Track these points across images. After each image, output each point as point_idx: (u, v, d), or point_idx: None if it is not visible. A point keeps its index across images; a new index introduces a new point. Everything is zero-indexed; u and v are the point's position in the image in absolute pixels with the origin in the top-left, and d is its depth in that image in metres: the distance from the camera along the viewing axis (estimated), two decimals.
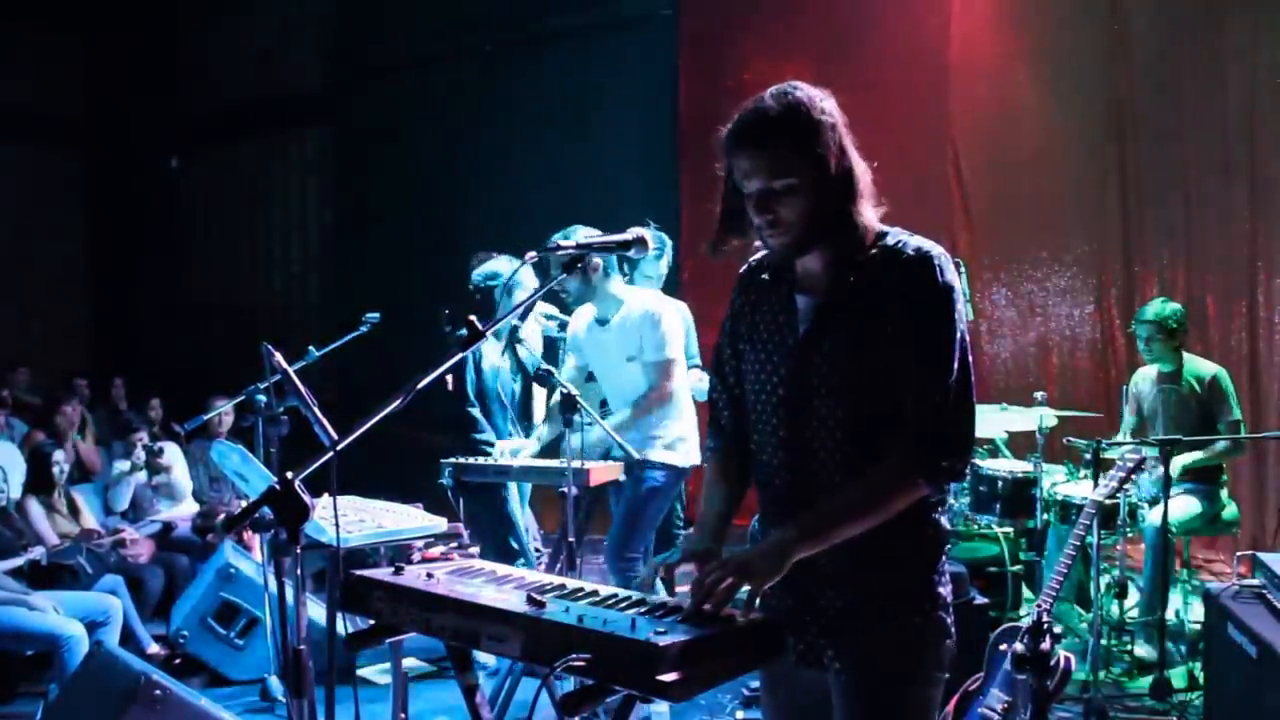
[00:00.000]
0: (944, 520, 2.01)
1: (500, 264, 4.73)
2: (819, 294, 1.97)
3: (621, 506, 4.19)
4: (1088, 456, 4.47)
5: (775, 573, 1.84)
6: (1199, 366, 4.97)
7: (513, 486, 4.61)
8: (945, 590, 1.99)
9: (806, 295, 1.99)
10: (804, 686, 2.03)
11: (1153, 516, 4.60)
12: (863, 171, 1.92)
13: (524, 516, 4.89)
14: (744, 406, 2.10)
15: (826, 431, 1.93)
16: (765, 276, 2.07)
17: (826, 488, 1.94)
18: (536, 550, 5.07)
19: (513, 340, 4.89)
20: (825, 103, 1.91)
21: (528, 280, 4.51)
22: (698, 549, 2.01)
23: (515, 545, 4.54)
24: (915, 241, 1.94)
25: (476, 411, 4.66)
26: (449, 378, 4.56)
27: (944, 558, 2.00)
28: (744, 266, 2.15)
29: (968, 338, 1.93)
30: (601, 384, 4.37)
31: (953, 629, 1.99)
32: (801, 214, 1.89)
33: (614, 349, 4.19)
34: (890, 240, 1.94)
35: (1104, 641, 4.47)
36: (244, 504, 2.03)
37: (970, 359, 1.92)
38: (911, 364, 1.88)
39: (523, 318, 4.76)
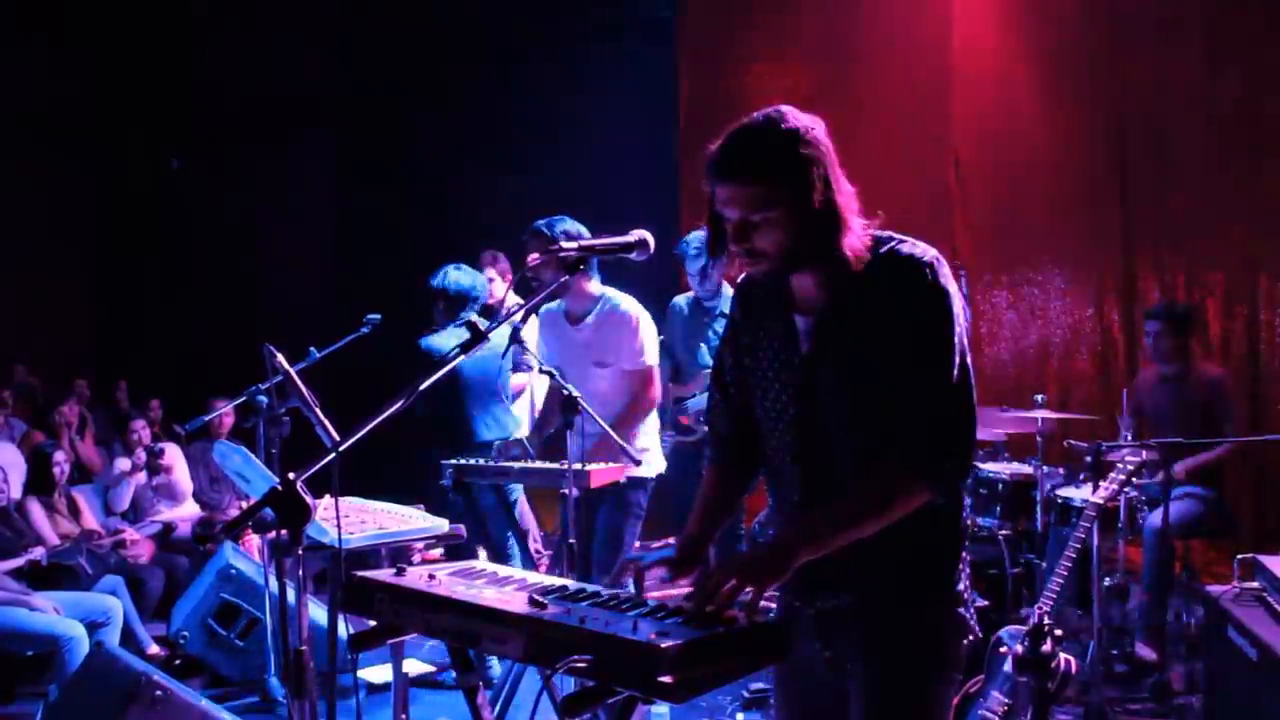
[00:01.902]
0: (964, 517, 2.01)
1: (473, 277, 4.90)
2: (815, 312, 1.96)
3: (604, 524, 4.03)
4: (1088, 459, 4.47)
5: (778, 575, 1.84)
6: (1203, 369, 4.98)
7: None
8: (964, 587, 1.99)
9: (803, 313, 1.98)
10: (818, 688, 2.04)
11: (1153, 519, 4.60)
12: (848, 200, 1.88)
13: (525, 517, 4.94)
14: (743, 417, 2.11)
15: (837, 445, 1.94)
16: (762, 293, 2.07)
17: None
18: (537, 552, 5.08)
19: (513, 341, 4.89)
20: (812, 133, 1.87)
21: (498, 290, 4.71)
22: (675, 556, 2.02)
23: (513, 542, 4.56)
24: (907, 248, 1.92)
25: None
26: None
27: (964, 554, 2.00)
28: (741, 277, 2.14)
29: (967, 340, 1.92)
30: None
31: (974, 624, 1.99)
32: (779, 245, 1.87)
33: (582, 351, 4.02)
34: (883, 249, 1.92)
35: (1104, 644, 4.47)
36: (245, 506, 2.03)
37: (970, 361, 1.92)
38: (909, 369, 1.87)
39: (523, 319, 4.77)
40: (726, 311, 5.17)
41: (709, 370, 5.19)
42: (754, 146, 1.85)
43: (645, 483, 4.07)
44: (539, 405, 5.20)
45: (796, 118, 1.88)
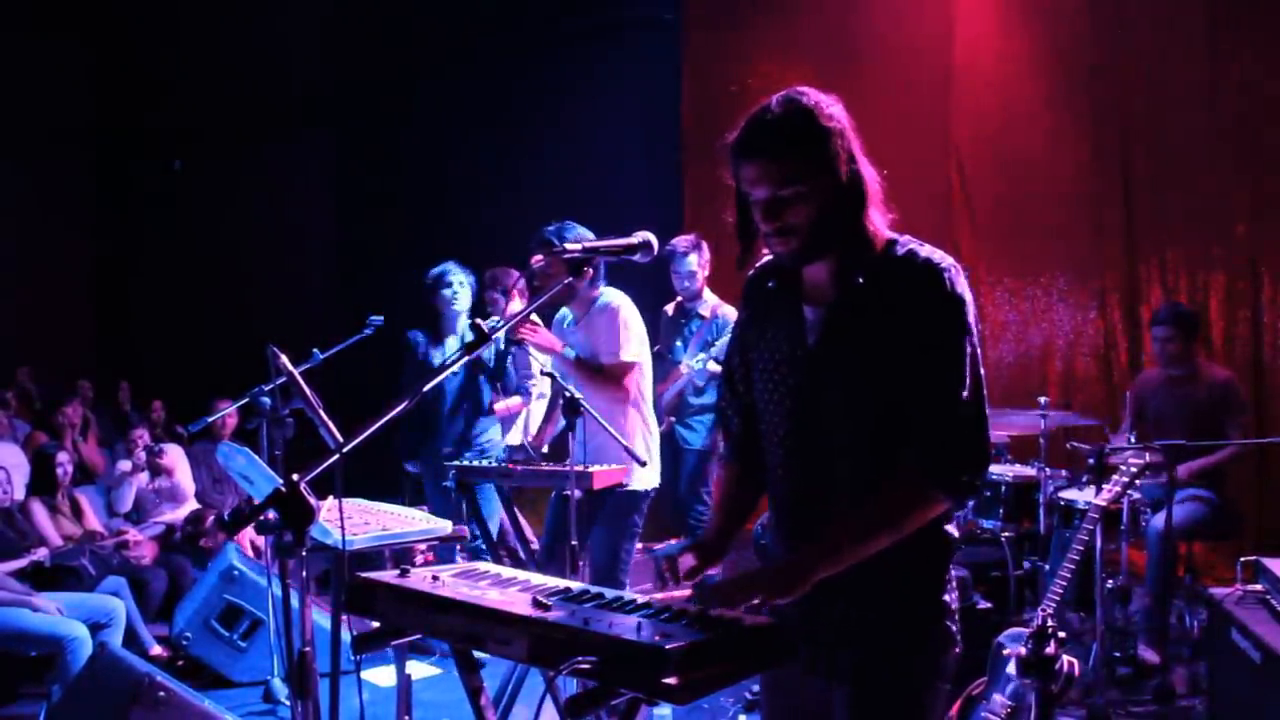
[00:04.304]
0: (952, 529, 2.01)
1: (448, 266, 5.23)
2: (826, 304, 1.95)
3: (599, 540, 3.94)
4: (1091, 461, 4.47)
5: (792, 592, 1.83)
6: (1210, 371, 4.98)
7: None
8: (951, 598, 1.98)
9: (814, 305, 1.97)
10: (805, 693, 2.03)
11: (1156, 521, 4.60)
12: (871, 178, 1.89)
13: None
14: (753, 414, 2.10)
15: (834, 442, 1.93)
16: (771, 285, 2.06)
17: (834, 497, 1.94)
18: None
19: (513, 343, 4.90)
20: (833, 108, 1.88)
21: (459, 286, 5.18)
22: (700, 548, 2.02)
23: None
24: (925, 252, 1.91)
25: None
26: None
27: (950, 566, 2.00)
28: (750, 274, 2.13)
29: (979, 350, 1.91)
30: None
31: (959, 637, 1.98)
32: (809, 221, 1.87)
33: (577, 351, 3.95)
34: (899, 250, 1.92)
35: (1107, 646, 4.46)
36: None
37: (982, 370, 1.91)
38: (923, 377, 1.86)
39: (523, 322, 4.77)
40: (703, 314, 5.38)
41: (679, 364, 5.37)
42: (778, 122, 1.85)
43: (640, 501, 3.96)
44: (535, 414, 5.28)
45: (815, 94, 1.89)
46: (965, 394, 1.86)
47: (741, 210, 1.95)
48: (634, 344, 3.92)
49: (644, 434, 4.01)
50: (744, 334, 2.12)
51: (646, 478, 3.96)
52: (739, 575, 1.85)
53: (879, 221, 1.91)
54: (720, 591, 1.81)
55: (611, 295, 3.99)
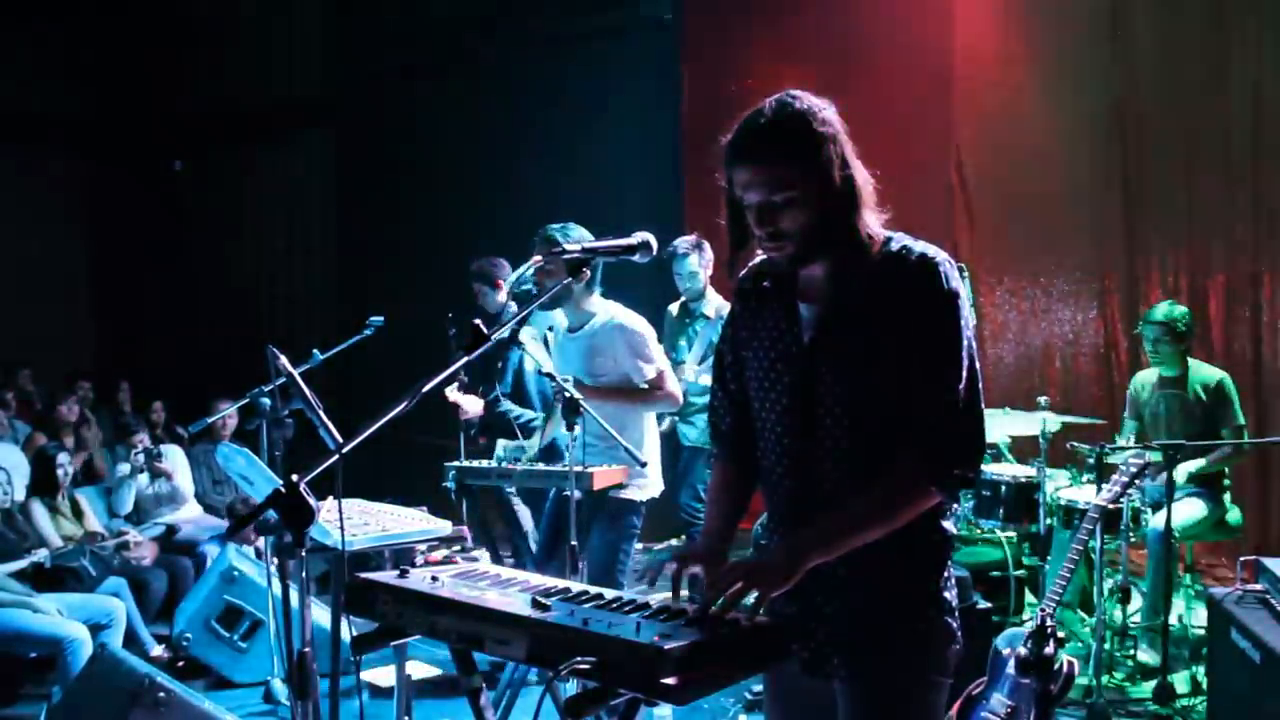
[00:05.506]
0: (949, 525, 2.01)
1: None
2: (822, 302, 1.95)
3: (598, 542, 3.89)
4: (1091, 461, 4.47)
5: (786, 581, 1.82)
6: (1204, 372, 4.97)
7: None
8: (951, 594, 1.98)
9: (809, 303, 1.97)
10: (808, 693, 2.03)
11: (1156, 521, 4.60)
12: (865, 181, 1.89)
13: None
14: (744, 411, 2.10)
15: (831, 439, 1.93)
16: (766, 284, 2.06)
17: (831, 494, 1.94)
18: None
19: (513, 344, 4.91)
20: (826, 113, 1.88)
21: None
22: (698, 552, 2.02)
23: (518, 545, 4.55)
24: (919, 247, 1.92)
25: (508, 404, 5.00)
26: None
27: (949, 562, 2.00)
28: (743, 271, 2.14)
29: (974, 344, 1.92)
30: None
31: (959, 633, 1.99)
32: (803, 226, 1.87)
33: (576, 361, 3.93)
34: (894, 246, 1.93)
35: (1107, 646, 4.46)
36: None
37: (978, 365, 1.91)
38: (919, 371, 1.87)
39: (522, 323, 4.77)
40: (707, 314, 5.38)
41: (682, 364, 5.39)
42: (772, 127, 1.86)
43: (640, 506, 3.94)
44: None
45: (809, 98, 1.89)
46: (960, 387, 1.87)
47: (733, 213, 1.95)
48: (658, 352, 3.93)
49: (654, 438, 4.01)
50: (736, 331, 2.12)
51: (651, 486, 3.95)
52: (730, 566, 1.85)
53: (873, 224, 1.91)
54: (713, 584, 1.80)
55: (611, 311, 3.93)
